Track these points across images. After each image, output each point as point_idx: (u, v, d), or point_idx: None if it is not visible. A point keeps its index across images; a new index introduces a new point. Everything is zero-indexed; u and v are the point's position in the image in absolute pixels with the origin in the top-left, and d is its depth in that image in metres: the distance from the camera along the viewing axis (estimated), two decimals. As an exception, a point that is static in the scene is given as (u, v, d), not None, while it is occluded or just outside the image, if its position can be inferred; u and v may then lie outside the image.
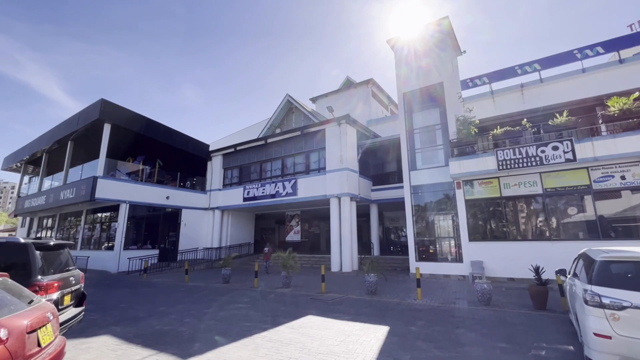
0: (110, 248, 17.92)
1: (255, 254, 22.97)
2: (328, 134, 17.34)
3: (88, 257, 17.72)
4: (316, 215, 23.22)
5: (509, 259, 11.38)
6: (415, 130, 14.73)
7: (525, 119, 11.88)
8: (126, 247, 17.70)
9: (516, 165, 11.12)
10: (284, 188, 18.38)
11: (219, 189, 22.06)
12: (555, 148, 10.50)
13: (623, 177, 10.14)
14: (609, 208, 10.40)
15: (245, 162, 21.41)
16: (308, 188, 17.48)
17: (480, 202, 12.59)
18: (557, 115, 11.16)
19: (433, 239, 13.54)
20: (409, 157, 14.53)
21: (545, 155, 10.62)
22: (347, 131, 16.91)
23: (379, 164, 19.72)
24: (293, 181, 18.11)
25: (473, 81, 20.69)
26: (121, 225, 17.49)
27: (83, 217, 20.80)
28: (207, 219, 21.91)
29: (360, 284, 11.01)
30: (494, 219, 12.30)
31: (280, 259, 11.40)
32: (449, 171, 13.05)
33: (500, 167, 11.39)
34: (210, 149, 23.11)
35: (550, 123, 10.86)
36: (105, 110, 17.25)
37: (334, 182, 16.44)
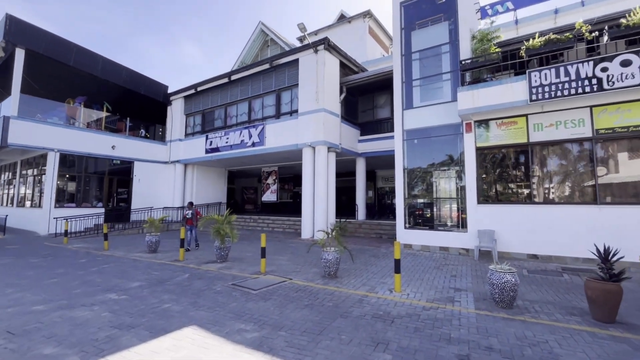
0: (39, 205, 14.92)
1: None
2: (302, 65, 13.40)
3: (6, 215, 14.76)
4: (297, 172, 19.93)
5: (532, 229, 8.15)
6: (414, 54, 10.81)
7: (581, 26, 7.93)
8: (60, 204, 14.68)
9: (559, 93, 7.44)
10: (250, 136, 14.86)
11: (180, 139, 18.57)
12: (626, 63, 6.75)
13: None
14: (695, 158, 6.91)
15: (208, 106, 17.66)
16: (278, 136, 13.95)
17: (497, 150, 9.09)
18: (632, 14, 7.21)
19: (429, 201, 10.26)
20: (404, 91, 10.78)
21: (608, 76, 6.91)
22: (327, 60, 12.96)
23: (369, 108, 15.94)
24: (260, 128, 14.53)
25: (493, 7, 16.27)
26: (50, 178, 14.32)
27: (18, 170, 17.64)
28: (167, 174, 18.71)
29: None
30: (514, 175, 8.88)
31: (215, 224, 8.23)
32: (455, 108, 9.41)
33: (534, 97, 7.73)
34: (170, 90, 19.24)
35: (623, 23, 6.98)
36: (13, 30, 13.25)
37: (307, 127, 12.86)
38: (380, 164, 17.84)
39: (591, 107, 7.74)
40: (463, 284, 5.99)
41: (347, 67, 14.65)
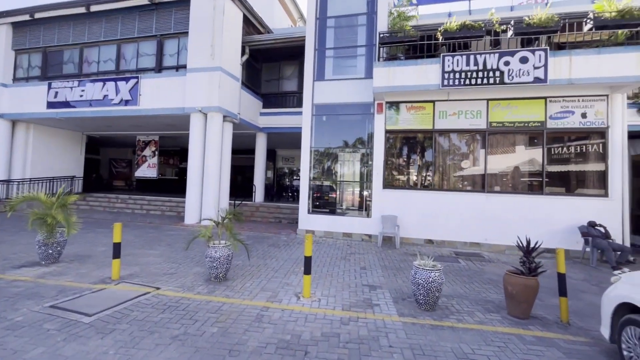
0: None
1: (86, 192, 15.53)
2: (195, 8, 10.66)
3: None
4: (184, 145, 16.81)
5: (430, 215, 8.26)
6: (329, 19, 9.66)
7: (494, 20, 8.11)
8: None
9: (468, 81, 7.46)
10: (117, 92, 11.31)
11: (4, 85, 13.07)
12: (524, 60, 7.11)
13: (584, 115, 7.62)
14: (557, 154, 7.95)
15: (54, 42, 12.80)
16: (159, 95, 10.96)
17: (404, 134, 8.89)
18: (533, 15, 7.67)
19: (335, 184, 9.55)
20: (316, 60, 9.58)
21: (510, 70, 7.19)
22: (227, 9, 10.61)
23: (274, 78, 14.26)
24: (133, 82, 11.17)
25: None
26: None
27: None
28: (-19, 133, 13.01)
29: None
30: (419, 160, 8.87)
31: (39, 209, 5.44)
32: (368, 87, 8.77)
33: (446, 83, 7.60)
34: (-13, 11, 13.19)
35: (527, 21, 7.32)
36: None
37: (198, 87, 10.39)
38: (282, 142, 16.55)
39: (488, 100, 8.11)
40: (375, 279, 5.29)
41: (251, 24, 12.54)
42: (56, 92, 12.10)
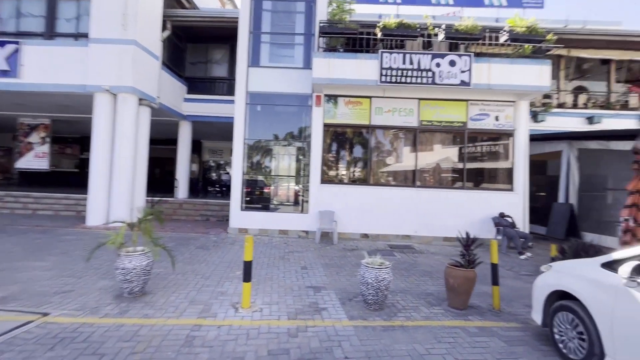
0: None
1: (-61, 188, 11.89)
2: (100, -34, 8.85)
3: None
4: (83, 129, 14.17)
5: (366, 210, 8.36)
6: (266, 1, 8.98)
7: (430, 23, 8.45)
8: None
9: (403, 79, 7.67)
10: (-13, 58, 8.79)
11: None
12: (452, 63, 7.58)
13: (497, 118, 8.54)
14: (476, 153, 8.79)
15: None
16: (50, 67, 8.84)
17: (342, 129, 8.81)
18: (462, 22, 8.24)
19: (271, 179, 9.01)
20: (251, 44, 8.83)
21: (440, 72, 7.60)
22: (143, -27, 9.07)
23: (201, 61, 12.92)
24: (11, 48, 8.80)
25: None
26: None
27: None
28: None
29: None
30: (356, 155, 8.89)
31: None
32: (306, 77, 8.45)
33: (383, 79, 7.69)
34: None
35: (456, 27, 7.80)
36: None
37: (105, 62, 8.68)
38: (210, 133, 15.24)
39: (419, 99, 8.50)
40: (318, 279, 5.00)
41: (174, -4, 11.03)
42: None
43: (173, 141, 13.22)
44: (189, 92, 12.41)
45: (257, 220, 8.53)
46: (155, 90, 9.96)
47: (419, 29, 7.85)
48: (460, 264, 4.11)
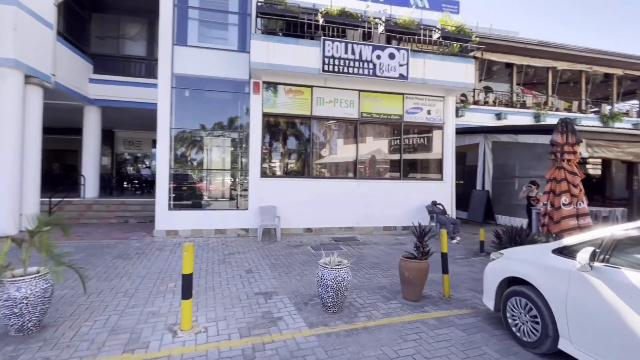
0: None
1: None
2: None
3: None
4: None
5: (308, 203, 8.11)
6: (191, -29, 7.88)
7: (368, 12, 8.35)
8: None
9: (345, 69, 7.51)
10: None
11: None
12: (392, 56, 7.68)
13: (429, 112, 9.03)
14: (411, 145, 9.20)
15: None
16: None
17: (283, 119, 8.35)
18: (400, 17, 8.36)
19: (203, 174, 8.10)
20: (175, 19, 7.69)
21: (380, 64, 7.64)
22: None
23: (112, 36, 10.97)
24: None
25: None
26: None
27: None
28: None
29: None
30: (297, 147, 8.52)
31: None
32: (243, 61, 7.75)
33: (326, 68, 7.41)
34: None
35: (396, 21, 7.88)
36: None
37: (-30, 25, 6.62)
38: (124, 121, 13.26)
39: (359, 91, 8.49)
40: (267, 283, 4.56)
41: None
42: None
43: (77, 130, 11.06)
44: (96, 71, 10.45)
45: (189, 220, 7.59)
46: (50, 67, 8.05)
47: (360, 19, 7.76)
48: (414, 256, 4.11)
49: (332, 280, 3.47)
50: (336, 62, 7.47)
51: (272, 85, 8.03)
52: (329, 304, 3.56)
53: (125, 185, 14.51)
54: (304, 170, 8.39)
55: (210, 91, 8.00)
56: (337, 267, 3.57)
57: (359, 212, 8.38)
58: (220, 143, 8.21)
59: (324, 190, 8.20)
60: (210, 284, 4.48)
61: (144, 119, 11.73)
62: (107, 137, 14.37)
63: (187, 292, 3.11)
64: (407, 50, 7.79)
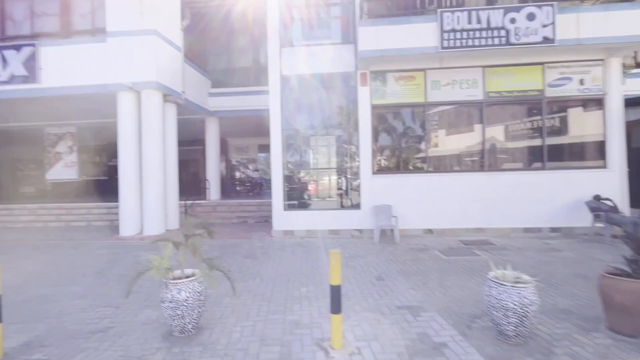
0: None
1: (-24, 205, 11.80)
2: (112, -49, 8.03)
3: None
4: (113, 136, 13.78)
5: (429, 201, 7.20)
6: (294, -29, 7.88)
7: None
8: None
9: (471, 42, 6.37)
10: (6, 65, 8.25)
11: None
12: (531, 17, 6.19)
13: (582, 82, 7.07)
14: (557, 125, 7.37)
15: None
16: (69, 68, 8.18)
17: (394, 110, 7.63)
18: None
19: (314, 173, 8.01)
20: (281, 22, 7.79)
21: (516, 29, 6.24)
22: (158, -46, 8.18)
23: (223, 51, 12.03)
24: (27, 50, 8.21)
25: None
26: None
27: None
28: None
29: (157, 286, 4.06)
30: (411, 139, 7.70)
31: None
32: (348, 53, 7.35)
33: (446, 44, 6.42)
34: None
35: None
36: None
37: (126, 56, 7.91)
38: (234, 130, 14.42)
39: (484, 67, 7.17)
40: (406, 294, 3.94)
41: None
42: None
43: (195, 141, 12.55)
44: (213, 85, 11.59)
45: (303, 220, 7.56)
46: (180, 85, 9.15)
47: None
48: (627, 273, 2.91)
49: (515, 303, 2.63)
50: (457, 35, 6.39)
51: (380, 75, 7.41)
52: (510, 333, 2.72)
53: (238, 188, 15.90)
54: (420, 165, 7.52)
55: (316, 88, 7.83)
56: (518, 284, 2.71)
57: (491, 211, 7.07)
58: (328, 141, 7.99)
59: (446, 186, 7.18)
60: (343, 291, 4.09)
61: (250, 126, 12.60)
62: (222, 145, 16.03)
63: (336, 306, 2.72)
64: (551, 5, 6.16)
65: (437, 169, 7.46)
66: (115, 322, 3.36)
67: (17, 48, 8.24)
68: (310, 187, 7.92)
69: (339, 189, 7.90)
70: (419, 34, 6.52)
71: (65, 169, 12.40)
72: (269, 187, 15.59)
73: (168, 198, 8.60)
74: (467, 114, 7.51)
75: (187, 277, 3.07)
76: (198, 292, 2.99)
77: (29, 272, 5.27)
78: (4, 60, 8.23)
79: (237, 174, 19.03)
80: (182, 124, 11.36)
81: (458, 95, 7.29)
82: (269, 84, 7.72)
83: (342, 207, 7.72)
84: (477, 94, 7.24)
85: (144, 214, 7.99)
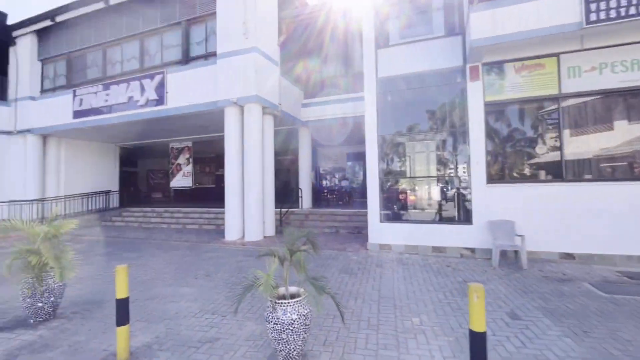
0: None
1: (122, 206, 14.62)
2: (222, -18, 8.92)
3: None
4: (219, 150, 15.41)
5: (567, 218, 5.70)
6: (391, -34, 7.42)
7: None
8: None
9: (634, 10, 4.85)
10: (142, 91, 9.89)
11: (33, 98, 12.30)
12: None
13: None
14: None
15: (76, 47, 11.80)
16: (187, 91, 9.35)
17: (514, 106, 6.37)
18: None
19: (414, 181, 7.25)
20: (377, 22, 7.38)
21: None
22: (259, -23, 8.75)
23: (315, 61, 12.24)
24: (158, 79, 9.68)
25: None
26: None
27: None
28: (14, 151, 12.31)
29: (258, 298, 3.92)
30: (538, 140, 6.31)
31: (23, 244, 3.74)
32: (452, 47, 6.48)
33: (593, 17, 5.04)
34: (13, 21, 12.50)
35: None
36: None
37: (231, 75, 8.60)
38: (324, 138, 14.48)
39: (650, 42, 5.40)
40: (560, 344, 2.95)
41: (287, -2, 10.58)
42: (81, 100, 11.00)
43: (285, 151, 13.01)
44: (305, 96, 11.86)
45: (402, 234, 6.86)
46: (277, 97, 9.54)
47: None
48: None
49: None
50: (610, 3, 4.93)
51: (495, 67, 6.30)
52: None
53: (329, 197, 15.92)
54: (553, 172, 6.06)
55: (416, 89, 7.12)
56: None
57: (668, 233, 5.18)
58: (430, 146, 7.16)
59: (592, 199, 5.58)
60: (465, 326, 3.33)
61: (339, 134, 12.49)
62: (313, 154, 16.39)
63: (480, 356, 2.05)
64: None
65: (579, 177, 5.88)
66: (222, 333, 3.32)
67: (151, 77, 9.80)
68: (410, 197, 7.19)
69: (444, 200, 6.96)
70: (552, 10, 5.27)
71: (184, 178, 14.32)
72: (359, 196, 15.33)
73: (265, 206, 8.95)
74: (622, 105, 5.76)
75: (291, 296, 2.81)
76: (304, 316, 2.68)
77: (155, 269, 5.92)
78: (142, 88, 9.88)
79: (326, 183, 19.24)
80: (281, 134, 11.93)
81: (608, 82, 5.65)
82: (364, 88, 7.36)
83: (448, 221, 6.75)
84: (638, 78, 5.49)
85: (245, 221, 8.45)
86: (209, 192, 17.78)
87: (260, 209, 8.54)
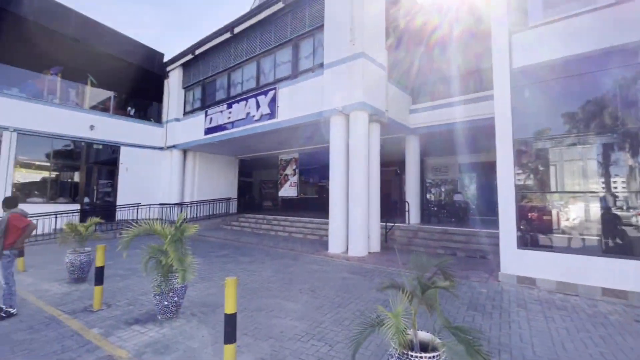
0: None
1: (239, 212, 16.32)
2: (330, -7, 8.97)
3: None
4: (323, 162, 15.67)
5: None
6: None
7: None
8: (23, 199, 11.42)
9: None
10: (257, 107, 10.72)
11: (177, 119, 14.92)
12: None
13: None
14: None
15: (208, 74, 13.77)
16: (295, 103, 9.68)
17: None
18: None
19: (567, 198, 5.54)
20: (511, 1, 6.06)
21: None
22: (367, -19, 8.44)
23: (424, 62, 11.20)
24: (270, 94, 10.34)
25: None
26: (5, 165, 11.08)
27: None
28: (164, 163, 15.11)
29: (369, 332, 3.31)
30: None
31: (155, 244, 4.09)
32: (627, 14, 4.67)
33: None
34: (167, 59, 15.54)
35: None
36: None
37: (336, 83, 8.45)
38: (434, 147, 13.09)
39: None
40: None
41: None
42: (211, 119, 12.70)
43: (388, 162, 12.12)
44: (413, 102, 10.91)
45: (551, 266, 5.24)
46: (384, 104, 8.96)
47: None
48: None
49: None
50: None
51: None
52: None
53: (439, 213, 14.31)
54: None
55: (568, 78, 5.49)
56: None
57: None
58: (587, 152, 5.38)
59: None
60: None
61: (452, 142, 11.00)
62: (421, 164, 15.07)
63: None
64: None
65: None
66: (330, 370, 2.83)
67: (265, 93, 10.55)
68: (561, 218, 5.50)
69: (616, 223, 5.06)
70: None
71: (290, 188, 15.02)
72: (475, 213, 13.25)
73: (370, 219, 8.36)
74: None
75: (421, 345, 2.10)
76: (442, 379, 1.94)
77: (263, 277, 5.97)
78: (257, 104, 10.72)
79: (430, 196, 17.47)
80: (387, 142, 11.29)
81: None
82: (493, 83, 6.10)
83: (627, 253, 4.84)
84: None
85: (349, 234, 8.02)
86: (312, 202, 18.28)
87: (365, 222, 7.99)
